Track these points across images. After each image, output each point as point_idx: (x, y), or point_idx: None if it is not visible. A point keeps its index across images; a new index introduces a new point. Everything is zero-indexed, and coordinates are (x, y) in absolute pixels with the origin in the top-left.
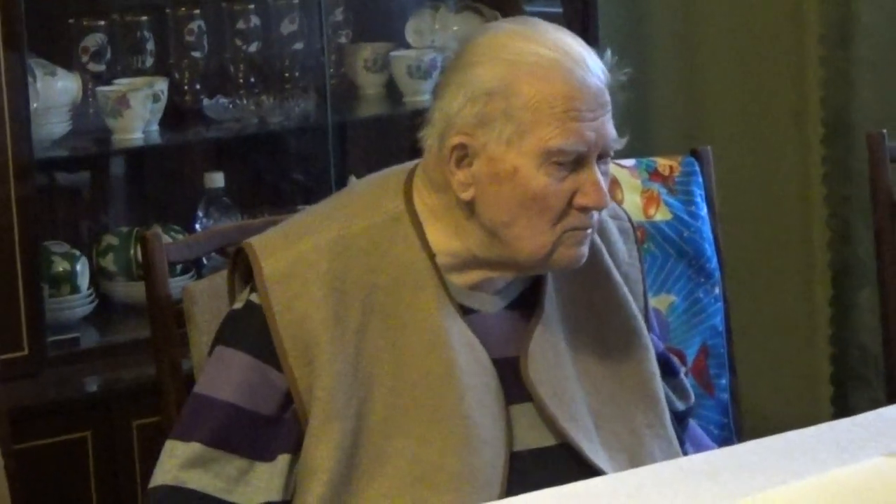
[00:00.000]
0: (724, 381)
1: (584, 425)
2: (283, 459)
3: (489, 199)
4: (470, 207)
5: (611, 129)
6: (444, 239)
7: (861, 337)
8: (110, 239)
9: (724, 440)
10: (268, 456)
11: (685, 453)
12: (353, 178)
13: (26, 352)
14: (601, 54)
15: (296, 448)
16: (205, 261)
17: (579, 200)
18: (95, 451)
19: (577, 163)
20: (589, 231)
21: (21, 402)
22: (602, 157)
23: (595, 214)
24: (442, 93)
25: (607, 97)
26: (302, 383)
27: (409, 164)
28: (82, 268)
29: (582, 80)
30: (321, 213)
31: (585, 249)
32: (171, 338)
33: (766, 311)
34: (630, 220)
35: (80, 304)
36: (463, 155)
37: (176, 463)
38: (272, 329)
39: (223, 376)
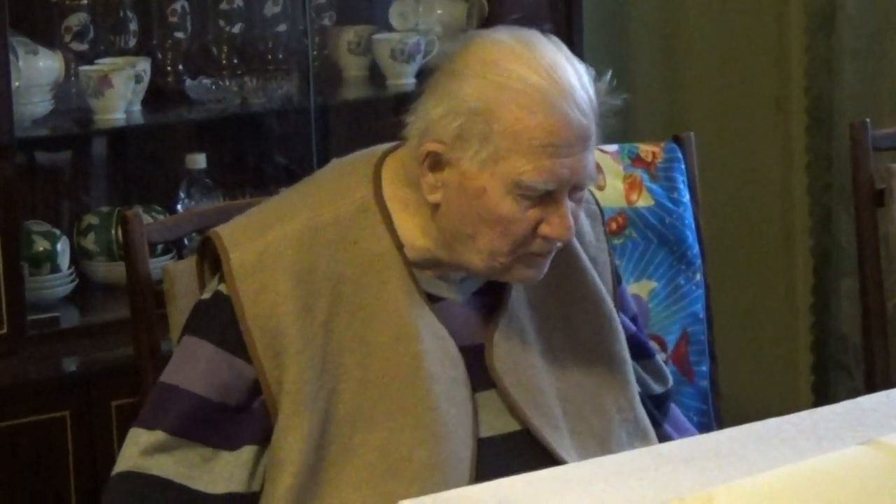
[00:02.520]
0: (704, 368)
1: (549, 412)
2: (248, 451)
3: (454, 208)
4: (436, 208)
5: (587, 165)
6: (412, 232)
7: (841, 325)
8: (91, 219)
9: (703, 427)
10: (232, 445)
11: (668, 438)
12: (335, 161)
13: (5, 331)
14: (600, 77)
15: (262, 440)
16: (185, 241)
17: (544, 230)
18: (74, 431)
19: (547, 195)
20: (547, 255)
21: None
22: (576, 189)
23: (558, 243)
24: (431, 92)
25: (590, 132)
26: (270, 375)
27: (377, 150)
28: (63, 247)
29: (565, 115)
30: (289, 202)
31: (544, 269)
32: (150, 318)
33: (747, 299)
34: (598, 203)
35: (60, 283)
36: (436, 161)
37: (138, 450)
38: (240, 320)
39: (190, 366)
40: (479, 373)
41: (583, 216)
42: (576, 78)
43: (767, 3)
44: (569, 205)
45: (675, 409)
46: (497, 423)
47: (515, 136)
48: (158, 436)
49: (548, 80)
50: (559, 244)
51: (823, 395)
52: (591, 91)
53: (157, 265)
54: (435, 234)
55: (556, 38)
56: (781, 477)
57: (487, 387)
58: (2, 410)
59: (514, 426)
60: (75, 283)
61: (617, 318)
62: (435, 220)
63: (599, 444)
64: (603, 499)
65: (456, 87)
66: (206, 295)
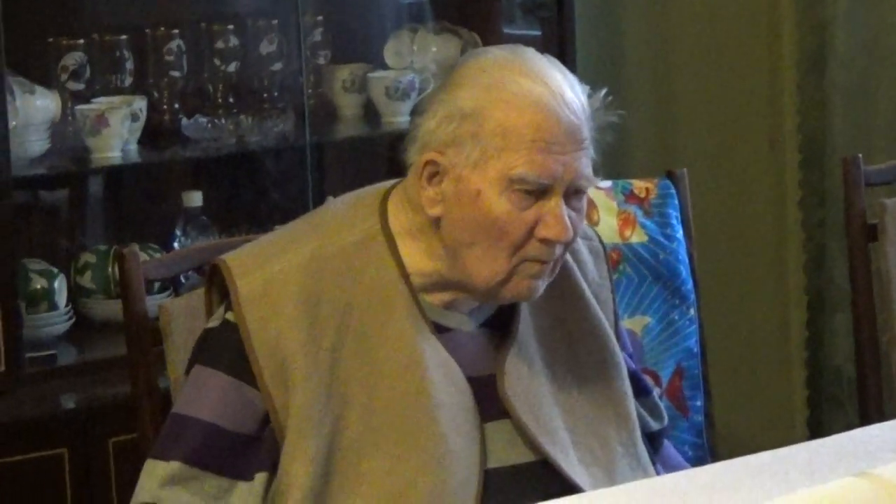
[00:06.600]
0: (698, 403)
1: (561, 441)
2: (259, 478)
3: (454, 218)
4: (438, 226)
5: (583, 167)
6: (418, 259)
7: (836, 360)
8: (88, 257)
9: (698, 461)
10: (247, 475)
11: (656, 475)
12: (330, 199)
13: (3, 368)
14: (593, 93)
15: (273, 467)
16: (182, 279)
17: (540, 231)
18: (72, 469)
19: (542, 194)
20: (547, 265)
21: None
22: (576, 193)
23: (558, 249)
24: (424, 111)
25: (583, 135)
26: (278, 402)
27: (384, 185)
28: (60, 285)
29: (555, 113)
30: (296, 232)
31: (541, 284)
32: (147, 355)
33: (741, 334)
34: (601, 240)
35: (57, 321)
36: (434, 172)
37: (155, 481)
38: (248, 348)
39: (202, 396)
40: (490, 403)
41: (586, 253)
42: (567, 85)
43: (760, 42)
44: (566, 210)
45: (667, 445)
46: (506, 454)
47: (505, 134)
48: (174, 467)
49: (537, 83)
50: (558, 249)
51: (818, 429)
52: (584, 99)
53: (153, 302)
54: (441, 253)
55: (550, 56)
56: None
57: (498, 417)
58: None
59: (523, 457)
60: (73, 320)
61: (619, 354)
62: (438, 237)
63: (606, 474)
64: None
65: (449, 96)
66: (214, 323)
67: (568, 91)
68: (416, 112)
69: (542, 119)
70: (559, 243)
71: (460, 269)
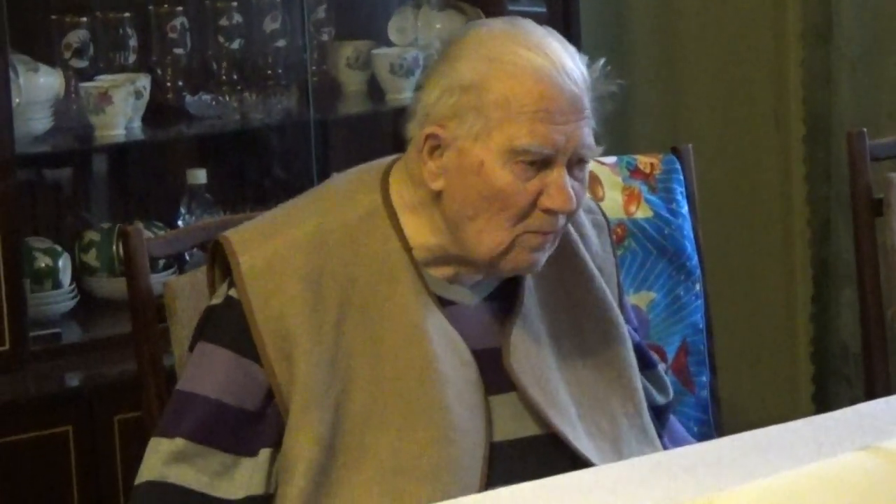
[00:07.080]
0: (704, 379)
1: (568, 414)
2: (264, 454)
3: (456, 191)
4: (439, 199)
5: (585, 136)
6: (421, 233)
7: (841, 336)
8: (92, 235)
9: (703, 437)
10: (251, 451)
11: (663, 448)
12: (334, 175)
13: (7, 347)
14: (592, 63)
15: (277, 442)
16: (186, 256)
17: (543, 202)
18: (77, 446)
19: (545, 164)
20: (549, 236)
21: (2, 397)
22: (579, 163)
23: (561, 219)
24: (424, 85)
25: (584, 104)
26: (282, 377)
27: (385, 160)
28: (64, 263)
29: (556, 83)
30: (298, 208)
31: (541, 257)
32: (151, 333)
33: (746, 309)
34: (604, 213)
35: (61, 299)
36: (435, 145)
37: (160, 459)
38: (251, 324)
39: (206, 373)
40: (496, 376)
41: (589, 226)
42: (567, 55)
43: (764, 14)
44: (569, 180)
45: (673, 420)
46: (511, 428)
47: (507, 105)
48: (178, 443)
49: (538, 54)
50: (561, 220)
51: (824, 405)
52: (584, 69)
53: (158, 280)
54: (443, 227)
55: (549, 27)
56: (781, 483)
57: (503, 390)
58: (4, 426)
59: (529, 430)
60: (77, 298)
61: (624, 326)
62: (440, 211)
63: (613, 447)
64: None
65: (449, 69)
66: (217, 300)
67: (568, 61)
68: (417, 87)
69: (543, 89)
70: (562, 213)
71: (462, 242)
